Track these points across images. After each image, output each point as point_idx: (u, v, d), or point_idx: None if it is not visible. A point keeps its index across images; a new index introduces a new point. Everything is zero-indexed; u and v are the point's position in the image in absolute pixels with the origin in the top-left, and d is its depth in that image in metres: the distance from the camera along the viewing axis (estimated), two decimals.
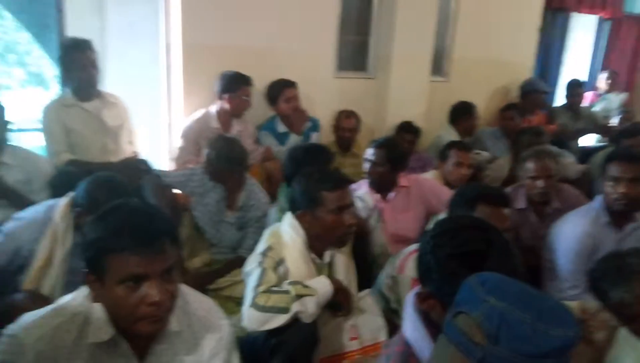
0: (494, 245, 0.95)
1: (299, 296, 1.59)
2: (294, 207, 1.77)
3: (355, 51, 3.69)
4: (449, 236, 0.99)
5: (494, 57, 4.26)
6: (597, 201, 2.19)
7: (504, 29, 4.21)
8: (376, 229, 2.33)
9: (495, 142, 3.90)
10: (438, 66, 4.04)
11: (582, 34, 5.29)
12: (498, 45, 4.24)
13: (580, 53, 5.36)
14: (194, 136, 2.89)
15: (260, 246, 1.77)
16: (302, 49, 3.30)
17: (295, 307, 1.57)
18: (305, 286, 1.62)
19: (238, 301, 1.84)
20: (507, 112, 3.95)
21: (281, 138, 3.14)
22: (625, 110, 4.57)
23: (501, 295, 0.75)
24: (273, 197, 2.54)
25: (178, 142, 2.93)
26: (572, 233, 2.15)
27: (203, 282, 2.26)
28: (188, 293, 1.22)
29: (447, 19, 3.99)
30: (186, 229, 2.49)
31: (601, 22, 5.21)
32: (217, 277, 2.33)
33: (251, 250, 1.90)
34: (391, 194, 2.46)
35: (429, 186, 2.49)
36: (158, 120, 3.19)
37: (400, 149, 2.52)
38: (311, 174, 1.76)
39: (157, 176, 2.47)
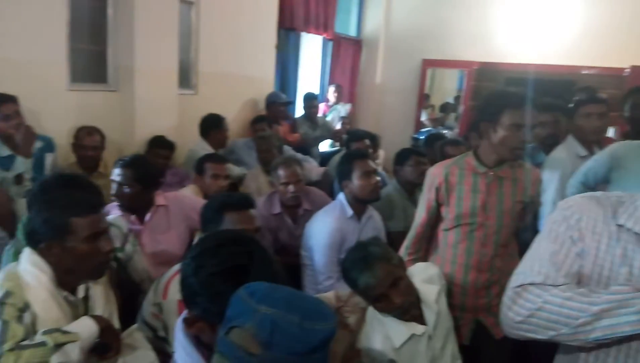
0: (255, 256, 0.96)
1: (59, 346, 1.33)
2: (34, 240, 1.47)
3: (92, 61, 3.35)
4: (209, 255, 0.96)
5: (239, 72, 4.45)
6: (340, 198, 2.48)
7: (245, 45, 4.43)
8: (135, 254, 2.14)
9: (249, 152, 4.07)
10: (186, 78, 4.00)
11: (312, 51, 5.97)
12: (241, 60, 4.44)
13: (313, 69, 6.05)
14: None
15: None
16: (24, 59, 2.82)
17: (55, 360, 1.32)
18: (65, 332, 1.37)
19: None
20: (257, 124, 4.18)
21: (5, 162, 2.63)
22: (345, 118, 5.36)
23: (271, 302, 0.76)
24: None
25: None
26: (322, 230, 2.38)
27: None
28: None
29: (190, 33, 3.99)
30: None
31: (325, 41, 5.98)
32: None
33: None
34: (148, 215, 2.31)
35: (189, 202, 2.43)
36: None
37: (149, 167, 2.37)
38: (55, 199, 1.49)
39: None
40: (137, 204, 2.28)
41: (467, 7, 6.04)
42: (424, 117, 6.83)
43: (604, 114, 2.67)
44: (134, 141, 3.39)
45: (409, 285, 1.68)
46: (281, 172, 2.68)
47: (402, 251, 2.16)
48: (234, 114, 4.40)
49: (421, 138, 5.28)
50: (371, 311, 1.69)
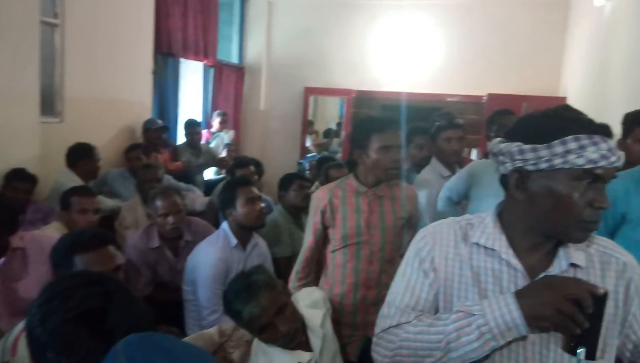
0: (114, 297, 0.86)
1: None
2: None
3: None
4: (60, 300, 0.84)
5: (112, 98, 4.17)
6: (223, 227, 2.39)
7: (118, 70, 4.18)
8: None
9: (124, 182, 3.81)
10: (50, 106, 3.65)
11: (193, 77, 5.83)
12: (114, 86, 4.18)
13: (194, 95, 5.89)
14: None
15: None
16: None
17: None
18: None
19: None
20: (132, 152, 3.94)
21: None
22: (230, 145, 5.29)
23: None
24: None
25: None
26: (205, 261, 2.28)
27: None
28: None
29: (54, 57, 3.67)
30: None
31: (207, 68, 5.88)
32: None
33: None
34: (1, 261, 2.03)
35: (50, 242, 2.16)
36: None
37: (4, 205, 2.10)
38: None
39: None
40: None
41: (345, 37, 6.36)
42: (308, 143, 6.98)
43: (461, 138, 2.95)
44: None
45: (294, 311, 1.65)
46: (159, 203, 2.53)
47: (293, 276, 2.16)
48: (107, 143, 4.10)
49: (306, 163, 5.37)
50: (256, 343, 1.63)
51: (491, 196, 2.35)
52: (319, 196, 2.07)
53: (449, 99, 5.84)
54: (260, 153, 6.37)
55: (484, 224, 1.08)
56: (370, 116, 2.06)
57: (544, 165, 0.95)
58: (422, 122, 3.46)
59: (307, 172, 4.83)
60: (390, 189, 2.06)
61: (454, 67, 5.95)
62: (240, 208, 2.33)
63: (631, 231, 1.70)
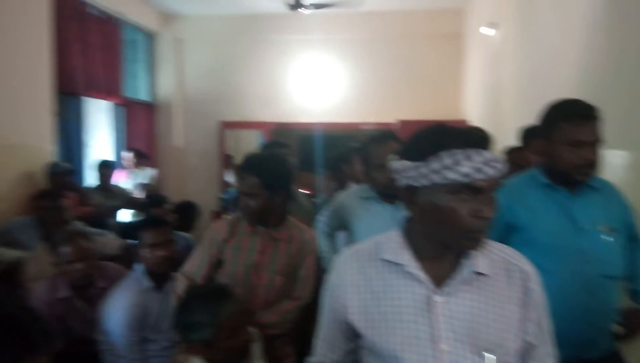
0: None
1: None
2: None
3: None
4: None
5: (9, 142, 3.86)
6: (138, 270, 2.26)
7: (13, 112, 3.89)
8: None
9: (28, 232, 3.50)
10: None
11: (101, 116, 5.57)
12: (10, 128, 3.88)
13: (103, 134, 5.62)
14: None
15: None
16: None
17: None
18: None
19: None
20: (42, 200, 3.56)
21: None
22: (148, 184, 5.09)
23: None
24: None
25: None
26: (119, 308, 2.13)
27: None
28: None
29: None
30: None
31: (116, 106, 5.65)
32: None
33: None
34: None
35: None
36: None
37: None
38: None
39: None
40: None
41: (257, 71, 6.43)
42: (229, 178, 6.88)
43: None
44: None
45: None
46: (66, 248, 2.35)
47: None
48: (6, 190, 3.78)
49: (228, 197, 5.28)
50: None
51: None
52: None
53: (363, 127, 6.05)
54: (179, 190, 6.17)
55: (390, 240, 1.11)
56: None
57: (424, 181, 1.00)
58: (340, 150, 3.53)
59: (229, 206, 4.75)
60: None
61: (365, 97, 6.23)
62: (143, 253, 2.22)
63: (519, 240, 1.70)
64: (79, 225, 3.57)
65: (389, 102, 6.11)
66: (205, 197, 5.99)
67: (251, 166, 1.97)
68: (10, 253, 3.10)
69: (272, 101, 6.41)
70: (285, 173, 2.04)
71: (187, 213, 4.02)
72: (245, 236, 2.01)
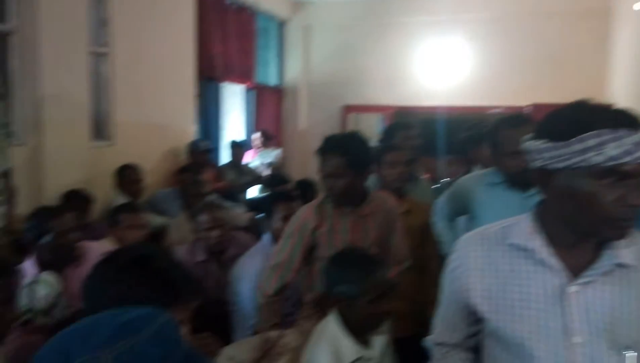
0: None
1: None
2: None
3: None
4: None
5: (157, 122, 4.35)
6: (266, 239, 2.44)
7: (163, 95, 4.36)
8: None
9: (172, 202, 3.93)
10: (101, 130, 3.85)
11: (235, 100, 6.00)
12: (160, 110, 4.36)
13: (237, 116, 6.06)
14: None
15: None
16: None
17: None
18: None
19: None
20: (184, 174, 4.02)
21: None
22: (273, 163, 5.38)
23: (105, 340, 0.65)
24: None
25: None
26: (249, 272, 2.31)
27: None
28: None
29: (104, 83, 3.88)
30: None
31: (248, 90, 6.05)
32: None
33: None
34: None
35: (104, 250, 2.28)
36: None
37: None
38: None
39: None
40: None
41: (382, 54, 6.40)
42: None
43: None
44: (44, 196, 3.18)
45: None
46: (204, 217, 2.61)
47: None
48: (154, 164, 4.27)
49: None
50: (321, 329, 1.59)
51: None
52: None
53: (491, 111, 5.75)
54: (301, 172, 6.44)
55: (519, 224, 1.05)
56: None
57: (562, 164, 0.91)
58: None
59: None
60: None
61: (494, 79, 5.88)
62: (274, 223, 2.38)
63: None
64: (215, 198, 3.91)
65: (521, 84, 5.71)
66: None
67: (335, 145, 1.93)
68: (157, 220, 3.50)
69: (396, 84, 6.35)
70: (367, 150, 2.00)
71: (306, 190, 4.18)
72: (335, 218, 1.99)
